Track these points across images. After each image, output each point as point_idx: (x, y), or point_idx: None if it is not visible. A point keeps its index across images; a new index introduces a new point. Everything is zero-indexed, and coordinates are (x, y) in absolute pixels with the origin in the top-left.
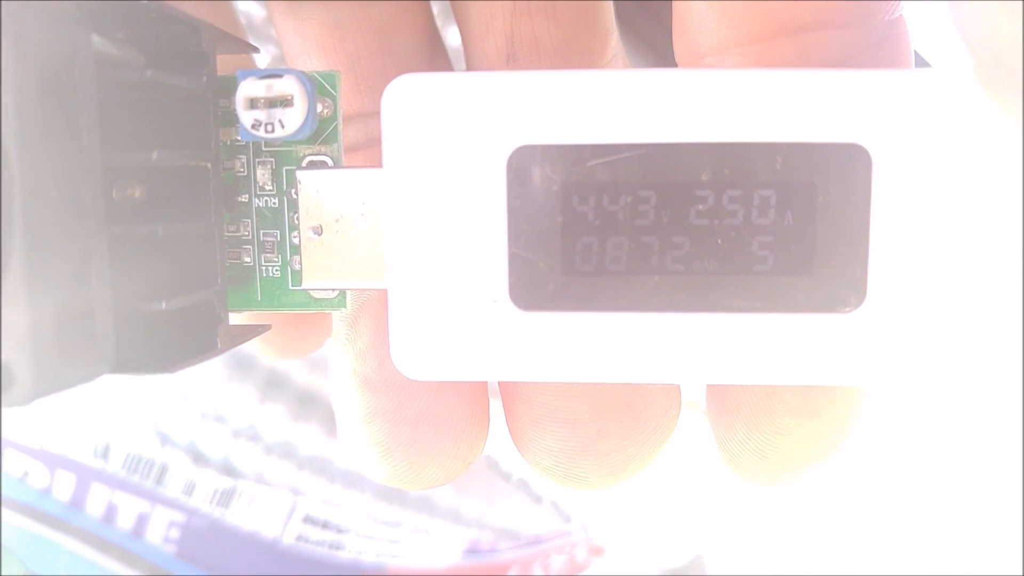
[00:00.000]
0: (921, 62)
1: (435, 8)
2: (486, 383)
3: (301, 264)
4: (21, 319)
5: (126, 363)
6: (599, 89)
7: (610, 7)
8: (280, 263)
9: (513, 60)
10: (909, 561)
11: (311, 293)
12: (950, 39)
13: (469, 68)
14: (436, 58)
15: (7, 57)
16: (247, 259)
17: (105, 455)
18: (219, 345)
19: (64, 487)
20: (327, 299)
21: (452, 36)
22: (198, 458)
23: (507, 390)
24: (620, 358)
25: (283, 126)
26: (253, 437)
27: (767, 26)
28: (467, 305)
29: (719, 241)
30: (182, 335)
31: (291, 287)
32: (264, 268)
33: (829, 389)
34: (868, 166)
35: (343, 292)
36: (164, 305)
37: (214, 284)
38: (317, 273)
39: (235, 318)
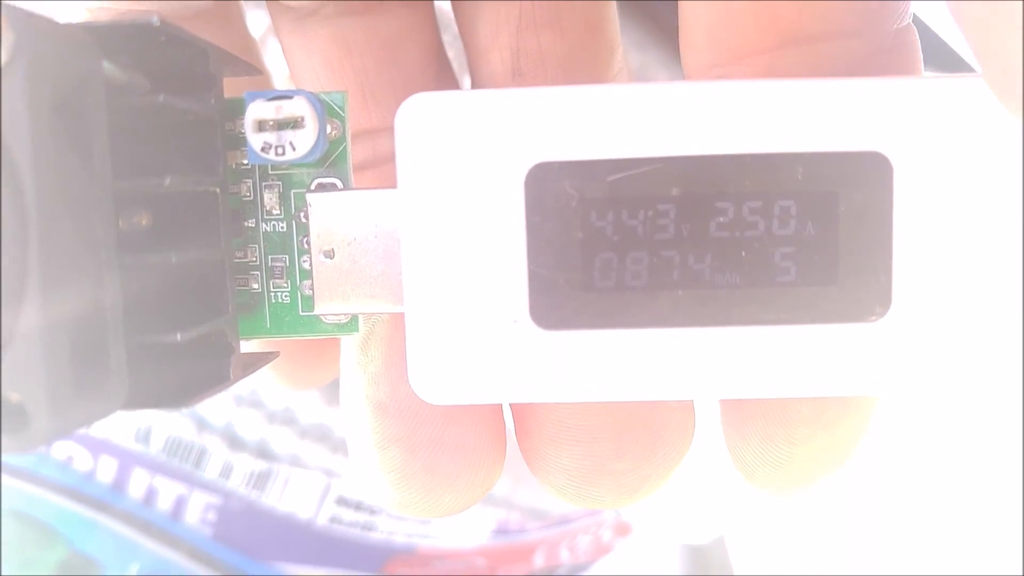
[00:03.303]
0: (962, 63)
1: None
2: (500, 407)
3: (313, 289)
4: (37, 358)
5: (139, 398)
6: (616, 103)
7: (615, 21)
8: (289, 288)
9: (519, 74)
10: (922, 550)
11: (322, 318)
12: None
13: (474, 83)
14: (442, 72)
15: (21, 82)
16: (255, 285)
17: (146, 439)
18: (231, 375)
19: (107, 471)
20: (338, 324)
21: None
22: (234, 442)
23: (520, 407)
24: (644, 375)
25: (294, 148)
26: (288, 421)
27: (775, 36)
28: (487, 326)
29: (741, 253)
30: (194, 366)
31: (301, 313)
32: (273, 294)
33: (843, 398)
34: (889, 174)
35: (355, 316)
36: (179, 337)
37: (225, 312)
38: (330, 297)
39: (245, 346)
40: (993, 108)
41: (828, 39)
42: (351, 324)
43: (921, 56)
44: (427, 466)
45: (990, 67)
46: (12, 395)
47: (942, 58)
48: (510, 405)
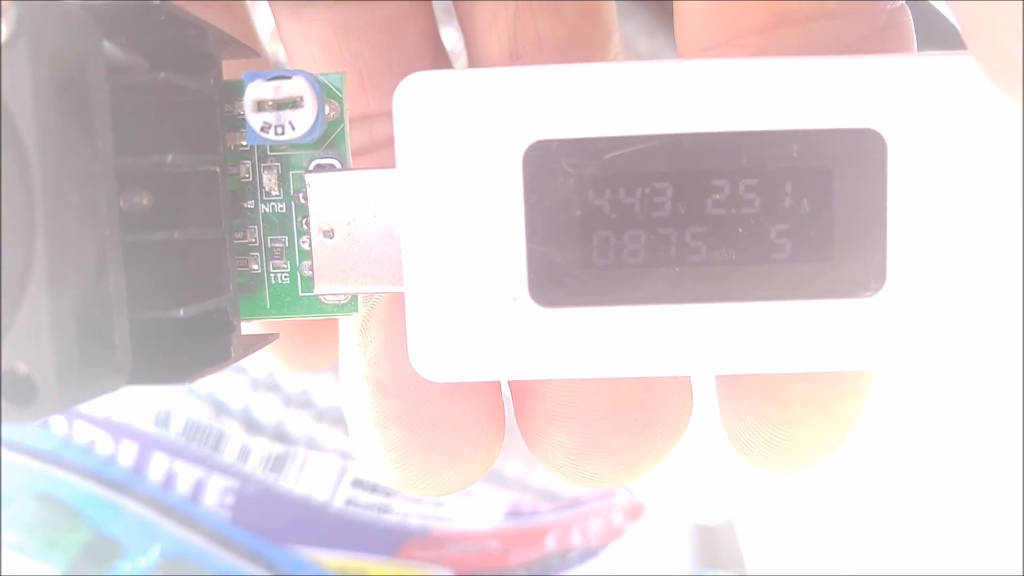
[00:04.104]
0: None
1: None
2: (499, 385)
3: (313, 269)
4: (44, 330)
5: (143, 373)
6: (614, 81)
7: (612, 5)
8: (289, 269)
9: (516, 58)
10: (928, 539)
11: (322, 298)
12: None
13: (472, 67)
14: (439, 58)
15: (25, 58)
16: (255, 267)
17: (165, 423)
18: (233, 353)
19: (127, 455)
20: (338, 304)
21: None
22: (252, 425)
23: (518, 386)
24: (642, 351)
25: (293, 128)
26: (304, 404)
27: (769, 17)
28: (486, 304)
29: (737, 230)
30: (196, 344)
31: (301, 293)
32: (272, 275)
33: (839, 377)
34: (883, 151)
35: (354, 296)
36: (181, 312)
37: (226, 290)
38: (329, 278)
39: (246, 327)
40: (985, 85)
41: (821, 19)
42: (351, 304)
43: (915, 36)
44: (427, 444)
45: (978, 45)
46: (20, 367)
47: (943, 35)
48: (509, 384)
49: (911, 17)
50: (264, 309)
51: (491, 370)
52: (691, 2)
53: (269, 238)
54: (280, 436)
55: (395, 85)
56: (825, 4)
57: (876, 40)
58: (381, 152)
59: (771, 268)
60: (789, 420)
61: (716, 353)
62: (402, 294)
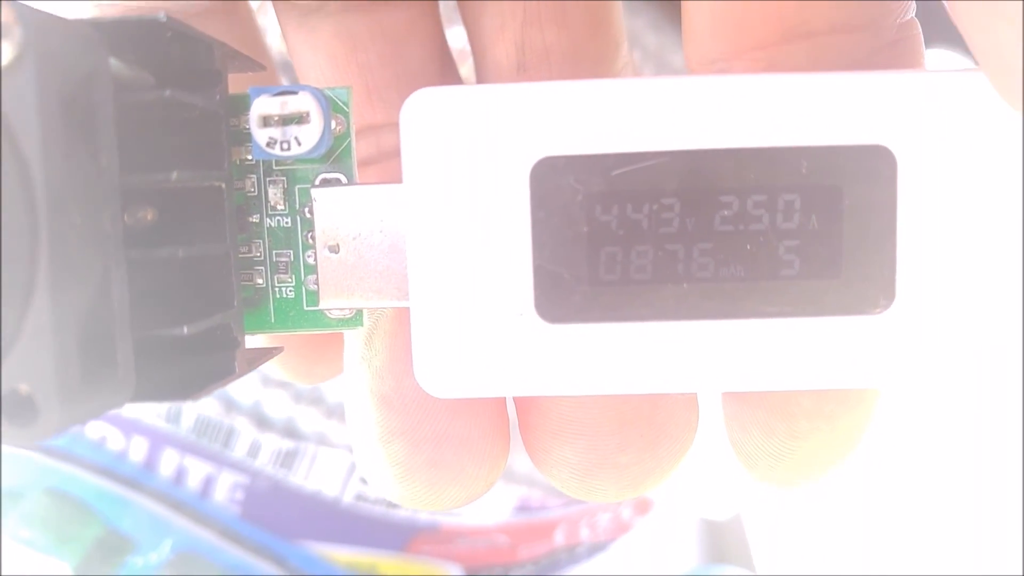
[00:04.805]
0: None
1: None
2: (504, 401)
3: (318, 284)
4: (46, 350)
5: (145, 391)
6: (621, 97)
7: (620, 16)
8: (294, 284)
9: (523, 69)
10: (932, 539)
11: (327, 313)
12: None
13: (479, 77)
14: (446, 67)
15: (31, 77)
16: (260, 281)
17: (176, 419)
18: (237, 369)
19: (138, 450)
20: (343, 318)
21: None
22: (262, 421)
23: (523, 401)
24: (649, 368)
25: (299, 143)
26: (314, 400)
27: (778, 31)
28: (492, 320)
29: (745, 247)
30: (200, 359)
31: (306, 308)
32: (277, 289)
33: (845, 392)
34: (893, 167)
35: (359, 311)
36: (185, 330)
37: (230, 306)
38: (334, 292)
39: (250, 341)
40: (996, 102)
41: (831, 33)
42: (356, 319)
43: (924, 50)
44: (431, 460)
45: (989, 63)
46: (22, 387)
47: (955, 33)
48: (514, 399)
49: (921, 31)
50: (269, 323)
51: (496, 386)
52: (699, 12)
53: (274, 252)
54: (290, 432)
55: (402, 96)
56: (834, 18)
57: (886, 54)
58: (388, 163)
59: (779, 285)
60: (795, 434)
61: (723, 370)
62: (408, 309)
